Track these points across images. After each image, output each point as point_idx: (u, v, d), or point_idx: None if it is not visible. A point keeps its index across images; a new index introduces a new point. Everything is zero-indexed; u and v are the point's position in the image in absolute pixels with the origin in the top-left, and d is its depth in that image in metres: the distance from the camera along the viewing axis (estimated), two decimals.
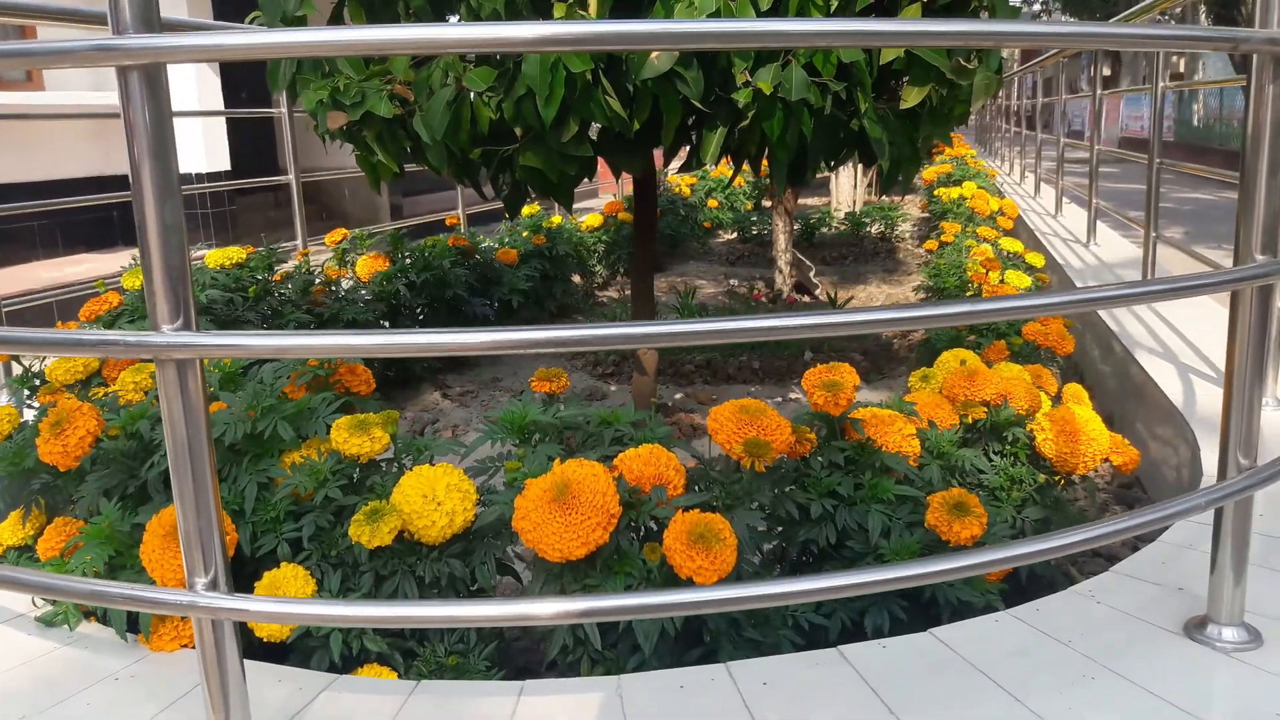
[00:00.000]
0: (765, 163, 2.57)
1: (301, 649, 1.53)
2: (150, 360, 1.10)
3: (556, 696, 1.36)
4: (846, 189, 9.00)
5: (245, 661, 1.47)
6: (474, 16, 2.22)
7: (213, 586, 1.11)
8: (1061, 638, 1.45)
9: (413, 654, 1.56)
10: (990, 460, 2.07)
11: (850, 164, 9.27)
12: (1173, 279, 1.34)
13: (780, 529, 1.76)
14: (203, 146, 9.88)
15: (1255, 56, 1.30)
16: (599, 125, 2.37)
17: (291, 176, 4.25)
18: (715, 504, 1.60)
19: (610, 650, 1.53)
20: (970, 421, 1.98)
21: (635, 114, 2.26)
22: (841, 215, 7.90)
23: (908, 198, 9.75)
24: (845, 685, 1.35)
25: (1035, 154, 8.12)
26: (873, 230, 7.55)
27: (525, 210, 5.13)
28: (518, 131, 2.34)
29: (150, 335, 1.04)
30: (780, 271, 5.65)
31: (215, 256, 3.00)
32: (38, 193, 8.46)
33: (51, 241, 8.88)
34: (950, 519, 1.61)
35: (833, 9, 2.19)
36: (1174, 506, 1.36)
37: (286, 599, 1.16)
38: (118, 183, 8.47)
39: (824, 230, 7.48)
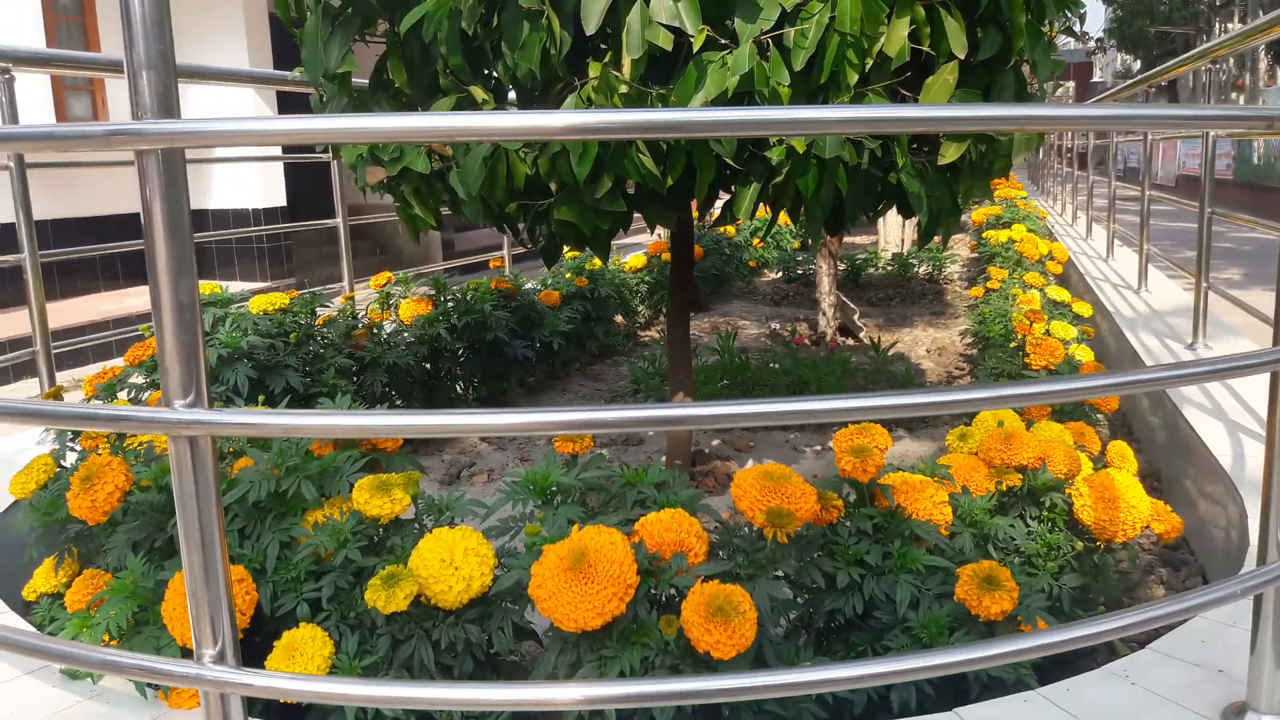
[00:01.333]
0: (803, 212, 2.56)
1: (319, 710, 1.53)
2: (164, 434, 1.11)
3: None
4: (894, 229, 8.93)
5: None
6: (510, 76, 2.24)
7: (220, 659, 1.11)
8: (1084, 715, 1.40)
9: (431, 718, 1.56)
10: (1027, 525, 2.02)
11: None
12: (1212, 360, 1.30)
13: (806, 596, 1.73)
14: (260, 183, 10.12)
15: None
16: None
17: (339, 220, 4.32)
18: (738, 572, 1.58)
19: None
20: (1005, 489, 1.93)
21: (669, 169, 2.26)
22: (889, 256, 7.83)
23: (956, 237, 9.66)
24: None
25: (1087, 195, 8.01)
26: (920, 272, 7.48)
27: (568, 254, 5.16)
28: (553, 187, 2.35)
29: (163, 412, 1.05)
30: (824, 314, 5.61)
31: (259, 302, 3.05)
32: (97, 226, 8.71)
33: (112, 274, 9.11)
34: (980, 593, 1.57)
35: (868, 68, 2.18)
36: (1208, 594, 1.31)
37: (294, 675, 1.15)
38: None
39: (870, 271, 7.42)
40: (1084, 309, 3.91)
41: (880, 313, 6.50)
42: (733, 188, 2.41)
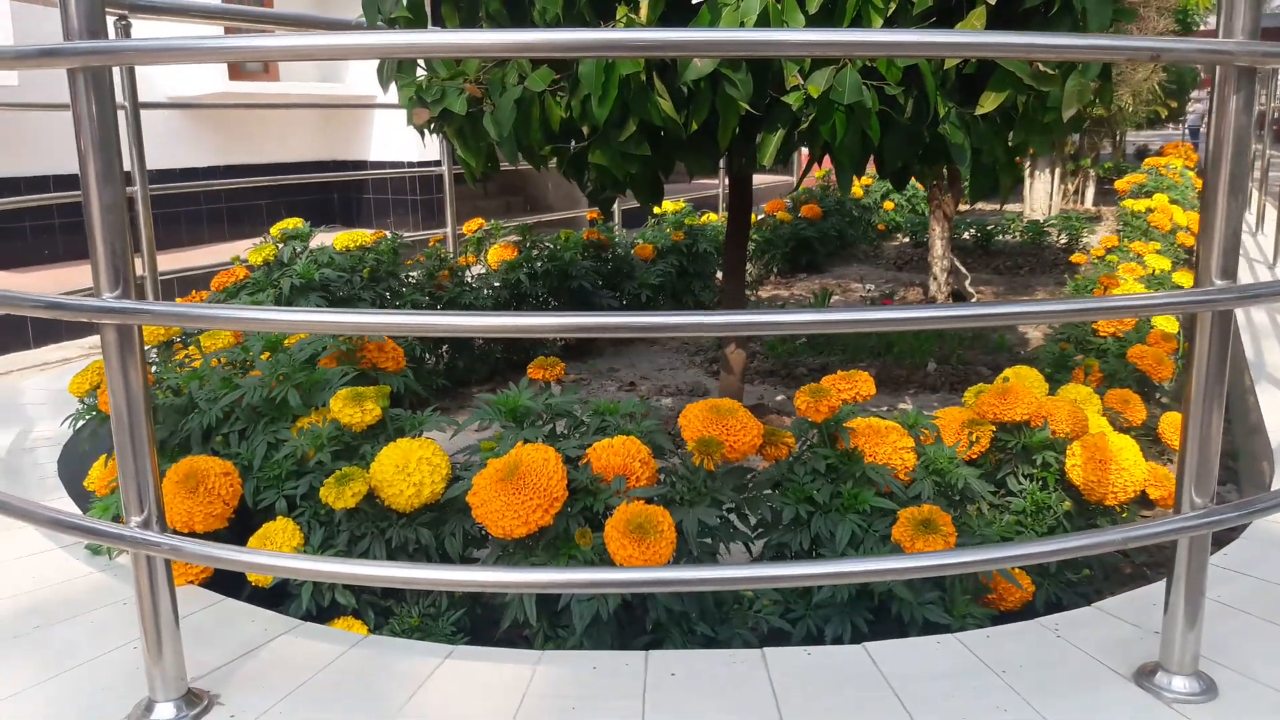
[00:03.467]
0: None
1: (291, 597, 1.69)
2: (105, 322, 1.25)
3: (479, 663, 1.44)
4: (1041, 196, 8.55)
5: (233, 601, 1.65)
6: (543, 20, 2.32)
7: (145, 525, 1.26)
8: (999, 668, 1.40)
9: (391, 613, 1.69)
10: (1020, 483, 1.98)
11: (1048, 170, 8.80)
12: (1128, 297, 1.26)
13: (760, 531, 1.77)
14: (415, 136, 10.55)
15: (1218, 68, 1.21)
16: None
17: (444, 169, 4.52)
18: (675, 498, 1.63)
19: (565, 629, 1.60)
20: (973, 439, 1.90)
21: (693, 115, 2.30)
22: (1025, 224, 7.51)
23: (1107, 209, 9.15)
24: (749, 687, 1.37)
25: (1262, 166, 7.42)
26: (1056, 240, 7.15)
27: (668, 206, 5.22)
28: (585, 130, 2.43)
29: (92, 300, 1.20)
30: (935, 278, 5.47)
31: (343, 239, 3.27)
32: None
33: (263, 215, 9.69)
34: (914, 535, 1.58)
35: (892, 11, 2.15)
36: (1122, 533, 1.29)
37: (216, 544, 1.30)
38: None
39: (1004, 238, 7.14)
40: (1185, 279, 3.69)
41: (1005, 281, 6.27)
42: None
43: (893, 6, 2.14)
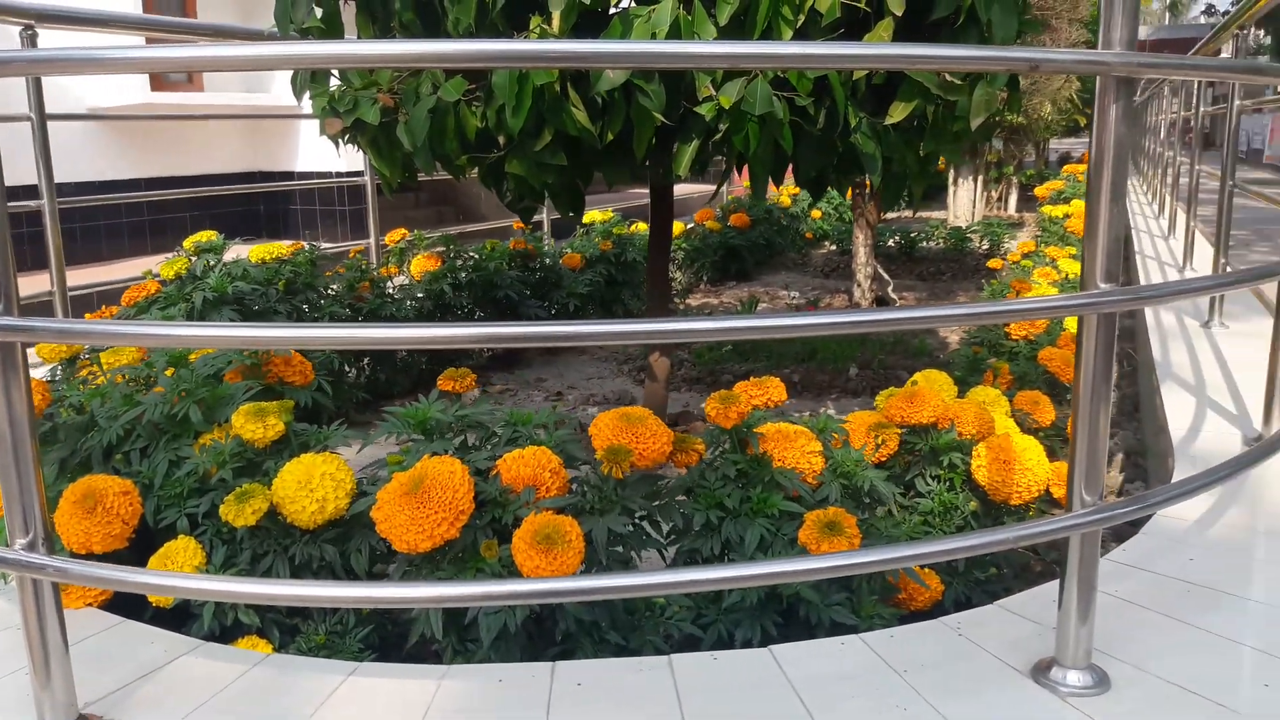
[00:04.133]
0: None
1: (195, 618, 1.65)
2: None
3: (383, 679, 1.42)
4: (964, 203, 8.74)
5: (135, 623, 1.60)
6: (456, 31, 2.31)
7: (31, 548, 1.23)
8: (900, 667, 1.42)
9: (297, 630, 1.66)
10: (928, 484, 2.02)
11: (971, 178, 8.99)
12: (1017, 302, 1.30)
13: (673, 538, 1.77)
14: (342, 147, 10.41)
15: (1099, 78, 1.25)
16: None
17: (367, 179, 4.47)
18: (586, 507, 1.63)
19: (474, 643, 1.59)
20: (879, 442, 1.93)
21: (609, 125, 2.31)
22: (955, 229, 7.67)
23: (1029, 215, 9.39)
24: (654, 693, 1.37)
25: (1174, 172, 7.66)
26: (979, 246, 7.30)
27: (596, 216, 5.22)
28: (500, 140, 2.42)
29: None
30: (859, 285, 5.55)
31: (259, 251, 3.21)
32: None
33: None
34: (820, 537, 1.60)
35: (801, 22, 2.18)
36: (1015, 531, 1.32)
37: (104, 565, 1.26)
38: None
39: (926, 244, 7.28)
40: None
41: (927, 286, 6.39)
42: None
43: (801, 18, 2.18)
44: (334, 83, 2.60)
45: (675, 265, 5.91)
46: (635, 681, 1.40)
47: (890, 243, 7.16)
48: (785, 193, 7.89)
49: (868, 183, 4.27)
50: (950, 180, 8.74)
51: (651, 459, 1.65)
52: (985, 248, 7.26)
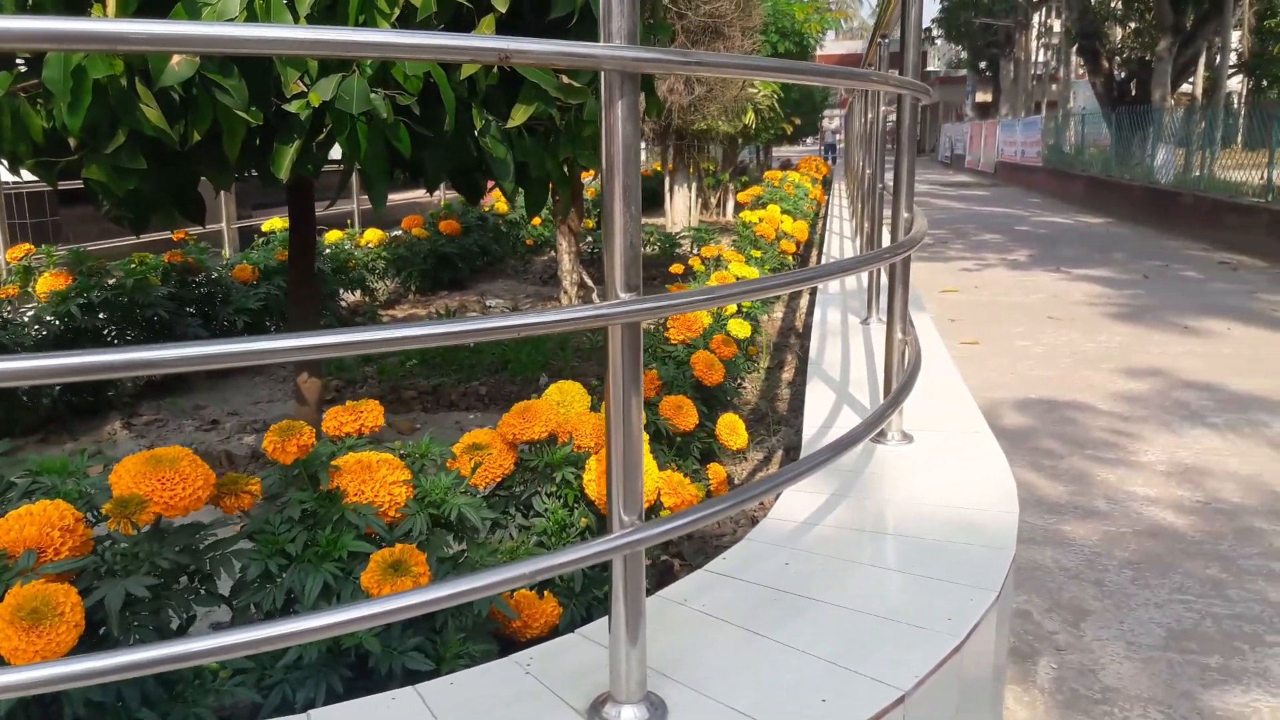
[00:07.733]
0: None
1: None
2: None
3: None
4: (682, 209, 8.94)
5: None
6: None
7: None
8: (446, 715, 1.29)
9: None
10: (544, 503, 1.92)
11: (686, 185, 9.22)
12: (538, 314, 1.19)
13: (234, 593, 1.57)
14: None
15: (603, 74, 1.16)
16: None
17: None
18: (105, 569, 1.40)
19: None
20: (474, 464, 1.82)
21: (194, 124, 2.07)
22: (667, 235, 7.81)
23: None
24: None
25: (871, 177, 8.15)
26: (690, 251, 7.47)
27: (277, 224, 4.89)
28: (71, 142, 2.13)
29: None
30: (565, 292, 5.51)
31: None
32: None
33: None
34: (383, 579, 1.45)
35: (396, 16, 2.03)
36: (561, 557, 1.21)
37: None
38: None
39: (642, 250, 7.37)
40: None
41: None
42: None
43: (397, 11, 2.03)
44: None
45: (376, 274, 5.64)
46: None
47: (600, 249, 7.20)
48: (499, 200, 7.77)
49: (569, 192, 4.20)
50: (667, 186, 8.92)
51: (182, 507, 1.44)
52: (696, 252, 7.44)
